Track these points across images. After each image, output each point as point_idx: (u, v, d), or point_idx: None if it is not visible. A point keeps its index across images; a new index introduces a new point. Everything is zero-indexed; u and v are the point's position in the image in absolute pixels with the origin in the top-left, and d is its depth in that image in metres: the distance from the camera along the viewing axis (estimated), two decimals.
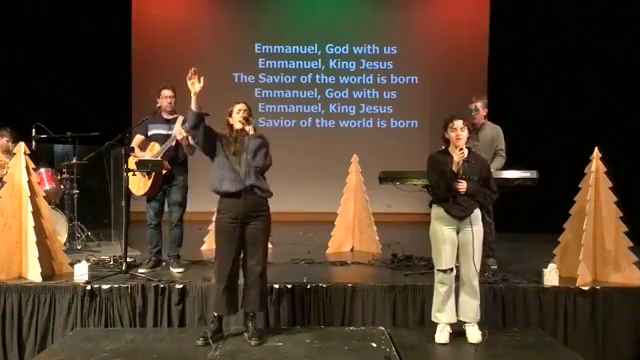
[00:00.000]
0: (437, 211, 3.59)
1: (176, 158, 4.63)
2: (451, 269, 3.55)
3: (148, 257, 4.73)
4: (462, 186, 3.47)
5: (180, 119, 4.58)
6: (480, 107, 4.76)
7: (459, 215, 3.50)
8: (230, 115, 3.57)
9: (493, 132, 4.76)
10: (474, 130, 4.57)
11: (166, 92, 4.67)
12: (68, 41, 8.10)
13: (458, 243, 3.55)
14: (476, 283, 3.56)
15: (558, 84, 7.76)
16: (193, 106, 3.44)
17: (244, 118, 3.51)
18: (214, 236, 3.61)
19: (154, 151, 4.61)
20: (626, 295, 4.17)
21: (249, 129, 3.51)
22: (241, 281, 3.62)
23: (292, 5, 9.43)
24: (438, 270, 3.58)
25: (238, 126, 3.51)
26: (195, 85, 3.45)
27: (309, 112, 9.44)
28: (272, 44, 9.38)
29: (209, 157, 3.57)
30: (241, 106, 3.56)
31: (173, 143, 4.54)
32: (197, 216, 5.69)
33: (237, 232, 3.47)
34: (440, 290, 3.58)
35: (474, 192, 3.51)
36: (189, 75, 3.45)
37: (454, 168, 3.48)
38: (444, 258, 3.53)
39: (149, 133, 4.69)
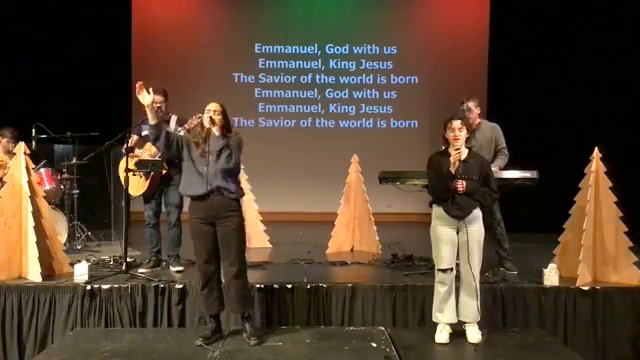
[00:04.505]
0: (437, 211, 3.60)
1: (172, 158, 4.62)
2: (451, 269, 3.55)
3: (148, 257, 4.74)
4: (460, 186, 3.48)
5: (174, 118, 4.58)
6: (472, 106, 4.62)
7: (458, 215, 3.51)
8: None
9: (492, 131, 4.68)
10: (470, 130, 4.52)
11: (155, 98, 4.62)
12: (68, 41, 8.09)
13: (458, 243, 3.56)
14: (476, 283, 3.56)
15: (558, 84, 7.75)
16: (150, 120, 3.42)
17: (209, 118, 3.44)
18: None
19: (151, 151, 4.60)
20: (626, 295, 4.17)
21: (215, 129, 3.47)
22: None
23: (292, 5, 9.41)
24: (438, 270, 3.58)
25: (206, 126, 3.47)
26: (145, 98, 3.39)
27: (309, 112, 9.41)
28: (272, 44, 9.35)
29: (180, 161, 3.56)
30: (211, 106, 3.49)
31: None
32: None
33: (210, 232, 3.47)
34: (440, 290, 3.58)
35: (472, 192, 3.51)
36: (136, 90, 3.39)
37: (451, 169, 3.49)
38: (444, 258, 3.54)
39: (143, 133, 4.67)
